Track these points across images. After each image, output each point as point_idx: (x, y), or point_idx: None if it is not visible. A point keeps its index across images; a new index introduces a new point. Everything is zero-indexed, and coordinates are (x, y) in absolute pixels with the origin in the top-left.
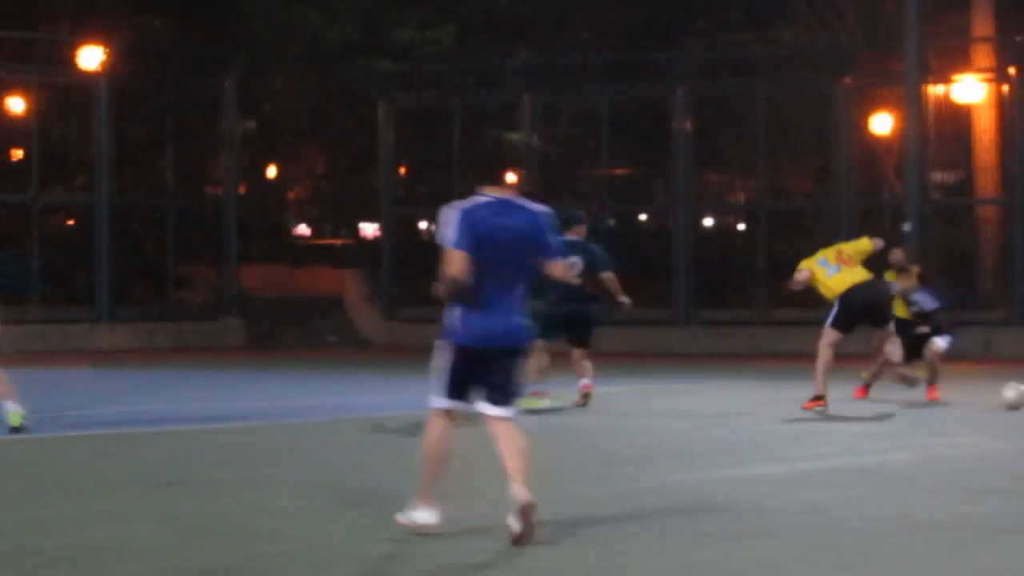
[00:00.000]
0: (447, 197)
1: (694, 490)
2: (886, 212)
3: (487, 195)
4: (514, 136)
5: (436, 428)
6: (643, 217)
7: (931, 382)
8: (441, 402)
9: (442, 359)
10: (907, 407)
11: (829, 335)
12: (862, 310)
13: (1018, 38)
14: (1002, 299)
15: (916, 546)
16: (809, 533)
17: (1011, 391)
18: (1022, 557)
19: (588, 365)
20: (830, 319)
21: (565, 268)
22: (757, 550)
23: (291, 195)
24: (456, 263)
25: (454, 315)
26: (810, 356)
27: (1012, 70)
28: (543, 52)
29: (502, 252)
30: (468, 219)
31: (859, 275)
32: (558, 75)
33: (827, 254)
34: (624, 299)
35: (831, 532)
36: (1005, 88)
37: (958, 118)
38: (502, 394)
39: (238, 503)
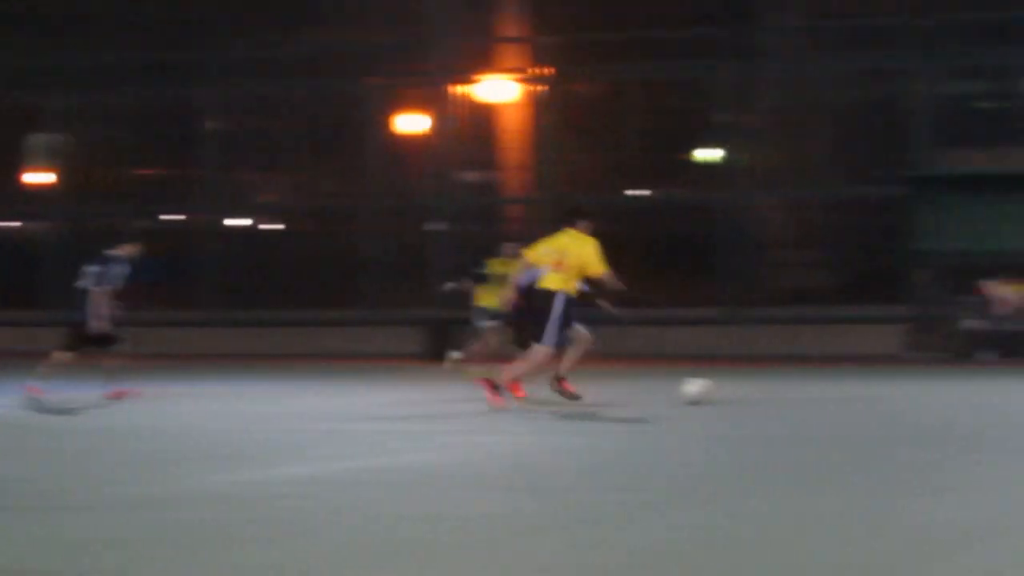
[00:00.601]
0: None
1: (227, 492)
2: (416, 211)
3: None
4: None
5: None
6: (178, 218)
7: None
8: None
9: None
10: (433, 406)
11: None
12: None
13: (545, 38)
14: None
15: (442, 543)
16: (339, 533)
17: (692, 386)
18: (552, 554)
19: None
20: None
21: None
22: (288, 551)
23: None
24: None
25: None
26: (345, 355)
27: (540, 70)
28: (71, 51)
29: None
30: None
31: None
32: (86, 75)
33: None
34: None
35: (360, 531)
36: (532, 88)
37: (486, 117)
38: None
39: None
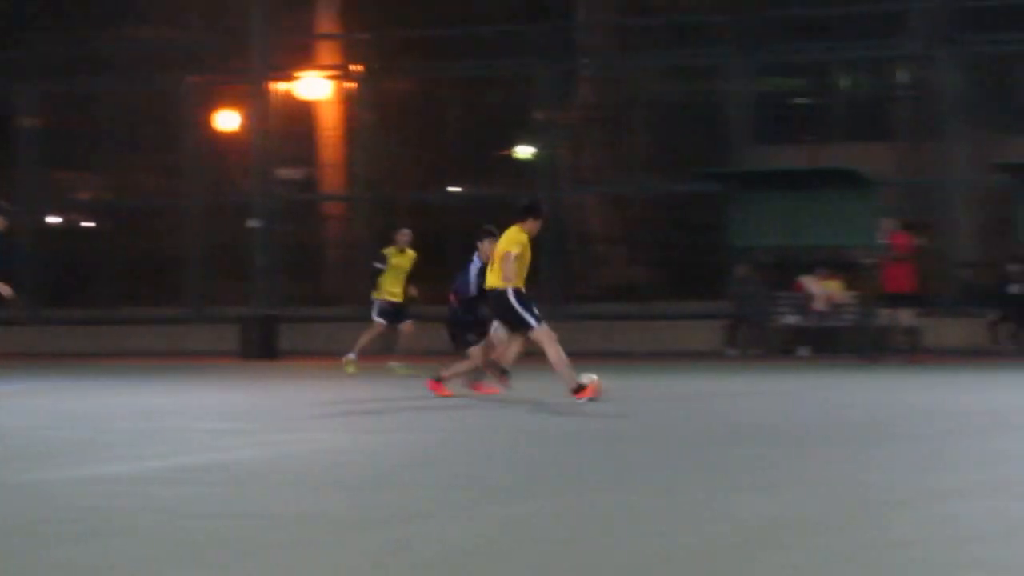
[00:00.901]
0: None
1: (42, 491)
2: (234, 208)
3: None
4: None
5: None
6: None
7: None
8: None
9: None
10: (256, 404)
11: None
12: None
13: (361, 36)
14: (346, 295)
15: (267, 541)
16: (161, 531)
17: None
18: (365, 549)
19: None
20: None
21: None
22: (106, 550)
23: None
24: None
25: None
26: (165, 354)
27: (356, 67)
28: None
29: None
30: None
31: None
32: None
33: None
34: None
35: (184, 529)
36: (349, 85)
37: (304, 115)
38: None
39: None
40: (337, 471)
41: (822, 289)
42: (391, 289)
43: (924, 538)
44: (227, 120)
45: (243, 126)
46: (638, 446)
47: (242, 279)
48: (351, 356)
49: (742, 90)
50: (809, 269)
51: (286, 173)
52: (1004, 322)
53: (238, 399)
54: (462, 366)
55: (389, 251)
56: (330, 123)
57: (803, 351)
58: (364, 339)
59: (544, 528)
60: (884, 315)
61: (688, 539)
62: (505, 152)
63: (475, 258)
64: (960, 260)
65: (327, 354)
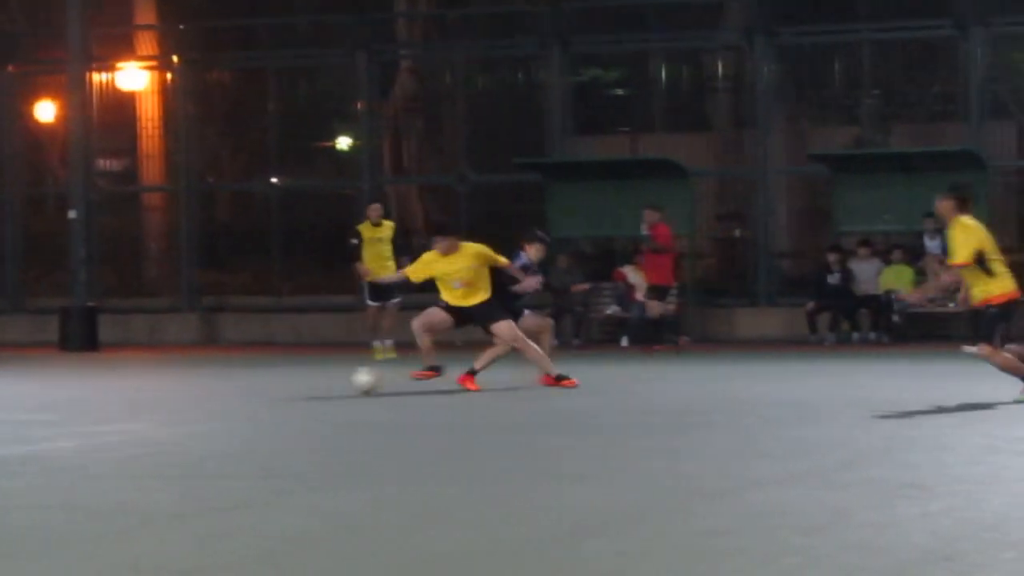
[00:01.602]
0: None
1: None
2: (51, 200)
3: None
4: None
5: None
6: None
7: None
8: None
9: None
10: (78, 395)
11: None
12: None
13: (180, 26)
14: (167, 286)
15: (81, 533)
16: None
17: (365, 375)
18: (181, 540)
19: None
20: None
21: None
22: None
23: None
24: None
25: None
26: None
27: (175, 58)
28: None
29: None
30: None
31: None
32: None
33: None
34: None
35: None
36: (168, 75)
37: (123, 105)
38: None
39: None
40: (154, 462)
41: (642, 279)
42: (372, 266)
43: (742, 527)
44: (46, 111)
45: (62, 116)
46: (459, 437)
47: (62, 270)
48: (385, 343)
49: (560, 80)
50: (629, 259)
51: (106, 164)
52: (822, 312)
53: (55, 390)
54: (492, 354)
55: (362, 227)
56: (150, 114)
57: (625, 341)
58: (386, 323)
59: (364, 520)
60: (652, 306)
61: (510, 530)
62: (326, 143)
63: (521, 255)
64: (778, 250)
65: (148, 345)
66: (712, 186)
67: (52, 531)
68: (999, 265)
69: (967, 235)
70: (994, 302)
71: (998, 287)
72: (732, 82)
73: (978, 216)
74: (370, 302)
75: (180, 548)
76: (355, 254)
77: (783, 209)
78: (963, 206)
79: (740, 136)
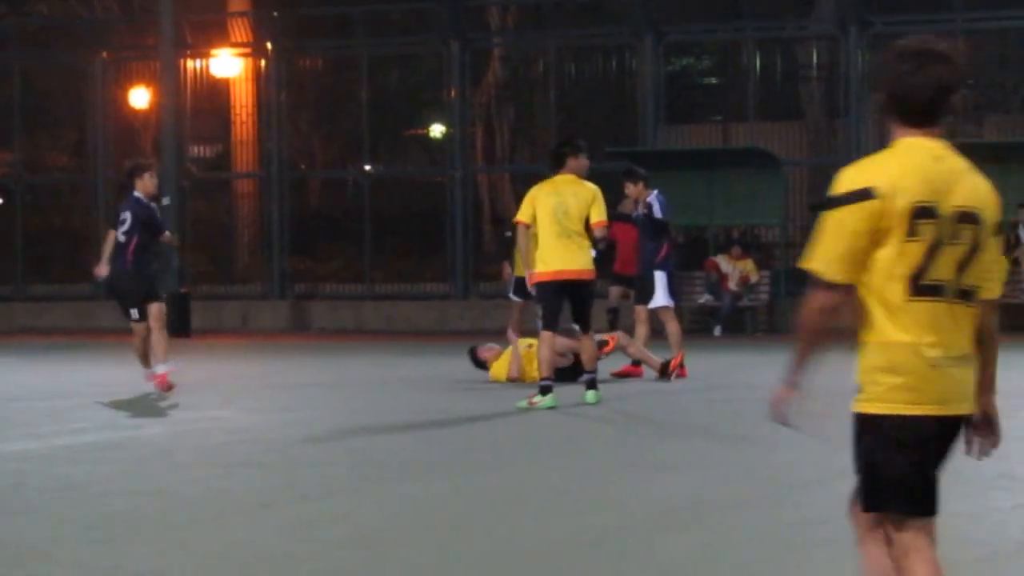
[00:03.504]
0: None
1: None
2: None
3: None
4: None
5: None
6: None
7: None
8: None
9: None
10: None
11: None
12: None
13: (274, 13)
14: (259, 273)
15: (175, 519)
16: (66, 509)
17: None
18: (274, 528)
19: None
20: None
21: None
22: (12, 528)
23: None
24: None
25: None
26: (68, 331)
27: (268, 45)
28: None
29: None
30: None
31: None
32: None
33: None
34: None
35: (89, 507)
36: (261, 63)
37: (216, 92)
38: None
39: None
40: (245, 449)
41: (734, 269)
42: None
43: (835, 516)
44: (139, 97)
45: (154, 103)
46: (549, 426)
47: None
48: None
49: (652, 69)
50: (723, 250)
51: (198, 151)
52: None
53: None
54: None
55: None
56: (243, 101)
57: (717, 331)
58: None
59: (455, 508)
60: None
61: (599, 519)
62: (417, 130)
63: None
64: None
65: (239, 332)
66: (804, 176)
67: (146, 517)
68: None
69: None
70: None
71: None
72: (825, 71)
73: None
74: (514, 297)
75: (272, 535)
76: (511, 248)
77: None
78: None
79: (832, 125)
